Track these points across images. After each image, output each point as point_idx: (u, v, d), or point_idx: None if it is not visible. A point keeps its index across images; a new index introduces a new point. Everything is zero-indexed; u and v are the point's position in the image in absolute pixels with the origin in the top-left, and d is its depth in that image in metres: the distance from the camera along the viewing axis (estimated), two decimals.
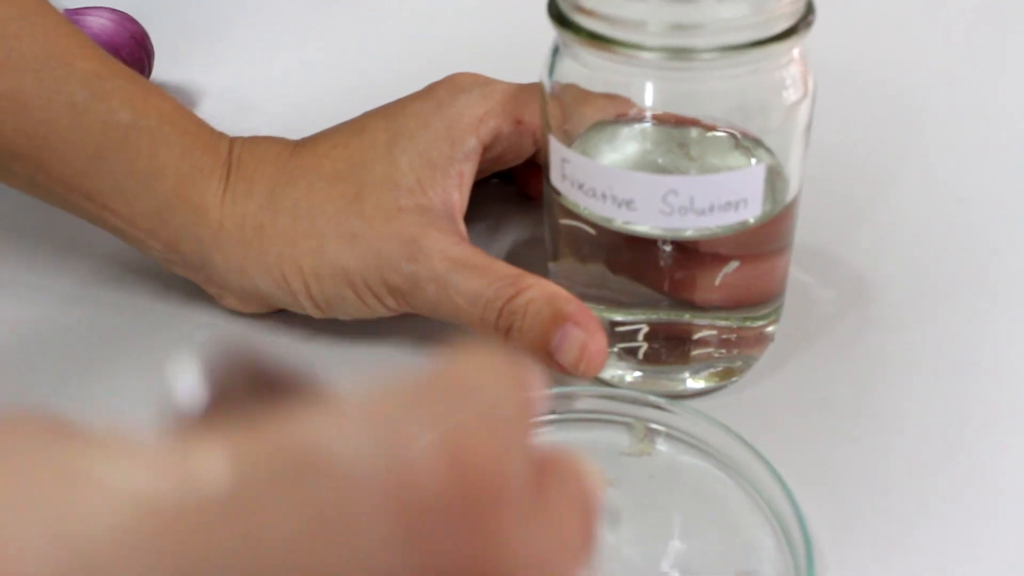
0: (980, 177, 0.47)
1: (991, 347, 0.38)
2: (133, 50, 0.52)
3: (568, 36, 0.30)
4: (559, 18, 0.31)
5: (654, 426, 0.34)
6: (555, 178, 0.33)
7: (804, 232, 0.38)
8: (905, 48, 0.58)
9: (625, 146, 0.34)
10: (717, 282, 0.33)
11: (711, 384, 0.36)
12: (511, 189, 0.46)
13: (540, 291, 0.34)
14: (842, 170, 0.48)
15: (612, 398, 0.34)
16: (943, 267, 0.42)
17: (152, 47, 0.54)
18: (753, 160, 0.33)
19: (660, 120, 0.33)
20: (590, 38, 0.29)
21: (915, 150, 0.49)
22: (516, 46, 0.47)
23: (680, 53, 0.29)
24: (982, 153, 0.49)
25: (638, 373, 0.36)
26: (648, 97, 0.31)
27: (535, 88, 0.37)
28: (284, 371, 0.16)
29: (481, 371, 0.16)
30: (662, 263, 0.33)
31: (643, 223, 0.31)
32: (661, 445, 0.34)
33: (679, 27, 0.28)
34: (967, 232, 0.44)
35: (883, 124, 0.51)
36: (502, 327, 0.34)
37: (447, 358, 0.16)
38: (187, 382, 0.15)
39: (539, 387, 0.17)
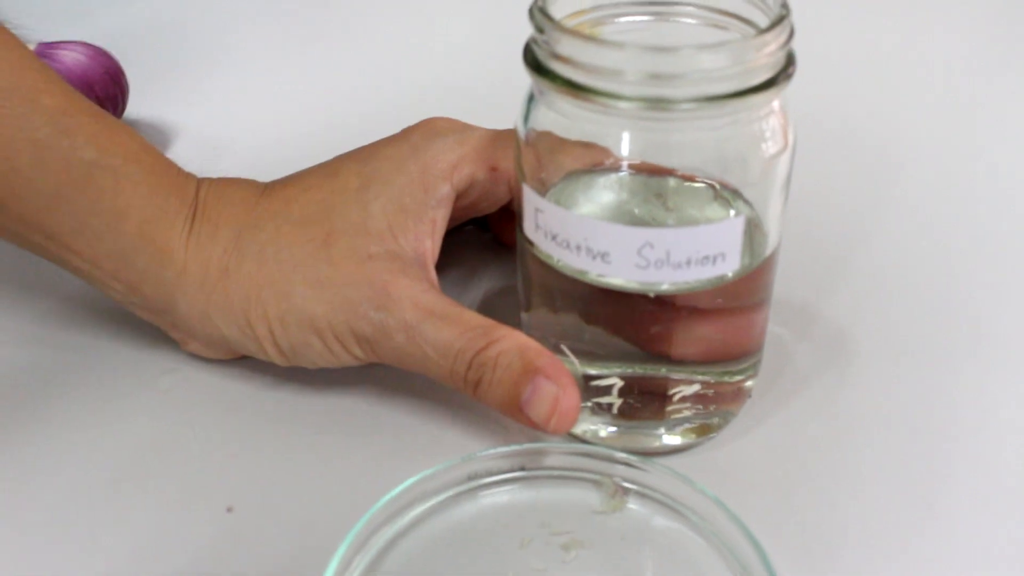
0: (961, 232, 0.47)
1: (971, 404, 0.37)
2: (107, 85, 0.51)
3: (544, 84, 0.30)
4: (535, 65, 0.30)
5: (626, 484, 0.33)
6: (528, 228, 0.32)
7: (782, 285, 0.37)
8: (886, 101, 0.58)
9: (601, 196, 0.33)
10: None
11: (688, 440, 0.35)
12: (486, 236, 0.45)
13: (511, 343, 0.33)
14: (821, 223, 0.47)
15: (581, 454, 0.33)
16: (923, 323, 0.41)
17: (127, 83, 0.53)
18: (732, 212, 0.32)
19: (637, 170, 0.32)
20: (566, 86, 0.29)
21: (896, 204, 0.49)
22: (494, 91, 0.46)
23: (658, 103, 0.28)
24: (963, 208, 0.49)
25: (612, 428, 0.35)
26: (625, 146, 0.30)
27: (511, 134, 0.37)
28: None
29: None
30: (637, 316, 0.32)
31: (618, 276, 0.31)
32: (633, 504, 0.33)
33: (657, 77, 0.28)
34: (948, 288, 0.43)
35: (863, 177, 0.51)
36: (471, 380, 0.33)
37: None
38: None
39: None
